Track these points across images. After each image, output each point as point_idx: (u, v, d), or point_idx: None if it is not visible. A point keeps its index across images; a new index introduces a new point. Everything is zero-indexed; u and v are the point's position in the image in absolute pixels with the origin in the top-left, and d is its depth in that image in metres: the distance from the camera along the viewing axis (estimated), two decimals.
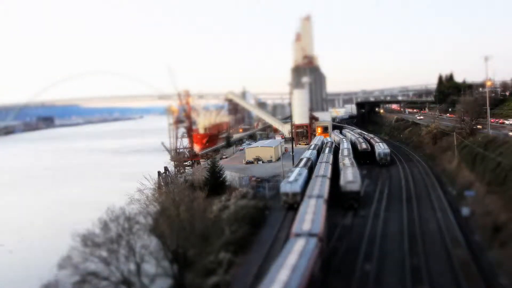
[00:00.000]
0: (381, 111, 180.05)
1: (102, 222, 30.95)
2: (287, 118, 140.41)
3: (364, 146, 79.40)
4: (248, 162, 77.38)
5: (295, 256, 23.93)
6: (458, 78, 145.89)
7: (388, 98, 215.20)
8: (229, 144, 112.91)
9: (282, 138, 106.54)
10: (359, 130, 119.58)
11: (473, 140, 61.25)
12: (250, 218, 42.30)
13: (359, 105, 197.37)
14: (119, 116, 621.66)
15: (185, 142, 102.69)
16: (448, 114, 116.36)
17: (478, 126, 69.61)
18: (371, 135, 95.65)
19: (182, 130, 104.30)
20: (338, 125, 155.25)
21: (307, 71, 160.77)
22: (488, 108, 70.39)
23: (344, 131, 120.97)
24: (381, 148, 73.28)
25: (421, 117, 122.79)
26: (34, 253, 53.81)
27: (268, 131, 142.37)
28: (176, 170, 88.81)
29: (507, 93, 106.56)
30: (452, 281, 27.68)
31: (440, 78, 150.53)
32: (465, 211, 41.07)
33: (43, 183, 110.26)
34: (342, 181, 48.50)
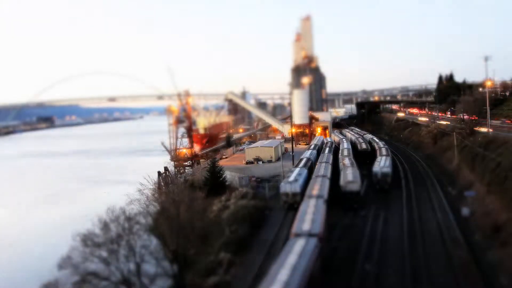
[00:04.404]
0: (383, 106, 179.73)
1: (102, 222, 30.97)
2: (287, 118, 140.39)
3: (364, 146, 79.38)
4: (248, 162, 77.31)
5: (295, 256, 23.91)
6: (458, 78, 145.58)
7: (388, 98, 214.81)
8: (229, 144, 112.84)
9: (282, 138, 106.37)
10: (358, 130, 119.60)
11: (473, 140, 61.23)
12: (250, 218, 42.32)
13: (359, 105, 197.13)
14: (119, 116, 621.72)
15: (185, 142, 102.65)
16: (440, 113, 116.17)
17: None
18: (371, 136, 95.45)
19: (182, 130, 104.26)
20: (338, 124, 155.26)
21: (307, 71, 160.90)
22: (488, 108, 70.39)
23: (344, 131, 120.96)
24: (379, 165, 55.72)
25: (422, 118, 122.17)
26: None
27: (268, 131, 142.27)
28: (176, 170, 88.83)
29: (507, 93, 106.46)
30: (452, 281, 27.71)
31: (440, 78, 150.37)
32: (465, 211, 41.08)
33: None
34: (342, 181, 48.48)
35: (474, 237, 35.34)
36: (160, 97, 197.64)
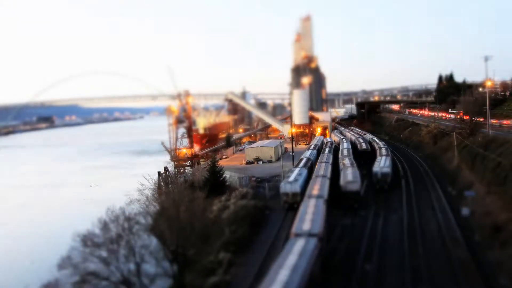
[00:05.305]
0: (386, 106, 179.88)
1: (102, 222, 30.97)
2: (287, 118, 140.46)
3: (364, 146, 79.37)
4: (248, 162, 77.34)
5: (295, 256, 23.91)
6: (458, 78, 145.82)
7: (388, 98, 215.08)
8: (229, 144, 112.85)
9: (281, 139, 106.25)
10: (358, 130, 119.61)
11: (473, 140, 61.23)
12: (250, 218, 42.32)
13: (359, 105, 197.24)
14: (119, 116, 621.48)
15: (185, 142, 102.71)
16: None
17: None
18: (371, 136, 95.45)
19: (182, 130, 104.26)
20: (338, 125, 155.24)
21: (307, 71, 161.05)
22: (488, 108, 70.35)
23: (344, 131, 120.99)
24: (379, 165, 56.06)
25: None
26: None
27: (268, 131, 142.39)
28: (176, 170, 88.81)
29: (507, 93, 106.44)
30: (452, 281, 27.71)
31: (440, 78, 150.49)
32: (465, 211, 41.06)
33: None
34: (342, 181, 48.49)
35: (474, 237, 35.33)
36: (161, 97, 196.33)
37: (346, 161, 59.09)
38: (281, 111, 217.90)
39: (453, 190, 50.71)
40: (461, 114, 78.86)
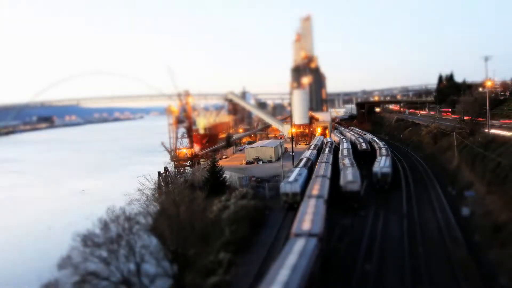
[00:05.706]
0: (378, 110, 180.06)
1: (102, 222, 31.02)
2: (287, 118, 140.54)
3: (364, 146, 79.35)
4: (248, 162, 77.35)
5: (295, 256, 23.90)
6: (458, 78, 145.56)
7: (388, 98, 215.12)
8: (229, 144, 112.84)
9: (281, 139, 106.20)
10: (358, 130, 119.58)
11: (473, 140, 61.19)
12: (250, 218, 42.29)
13: (359, 105, 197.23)
14: (119, 116, 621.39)
15: (185, 142, 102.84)
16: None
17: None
18: (371, 136, 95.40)
19: (182, 130, 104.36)
20: (338, 125, 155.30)
21: (307, 71, 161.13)
22: (488, 108, 70.31)
23: (344, 131, 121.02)
24: (379, 165, 55.82)
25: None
26: None
27: (268, 131, 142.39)
28: (176, 170, 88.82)
29: (507, 93, 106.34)
30: (452, 281, 27.71)
31: (440, 78, 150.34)
32: (465, 211, 41.07)
33: None
34: (342, 181, 48.48)
35: (474, 237, 35.33)
36: (161, 97, 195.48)
37: (346, 161, 59.07)
38: (281, 111, 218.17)
39: (453, 190, 50.69)
40: (454, 116, 78.92)
